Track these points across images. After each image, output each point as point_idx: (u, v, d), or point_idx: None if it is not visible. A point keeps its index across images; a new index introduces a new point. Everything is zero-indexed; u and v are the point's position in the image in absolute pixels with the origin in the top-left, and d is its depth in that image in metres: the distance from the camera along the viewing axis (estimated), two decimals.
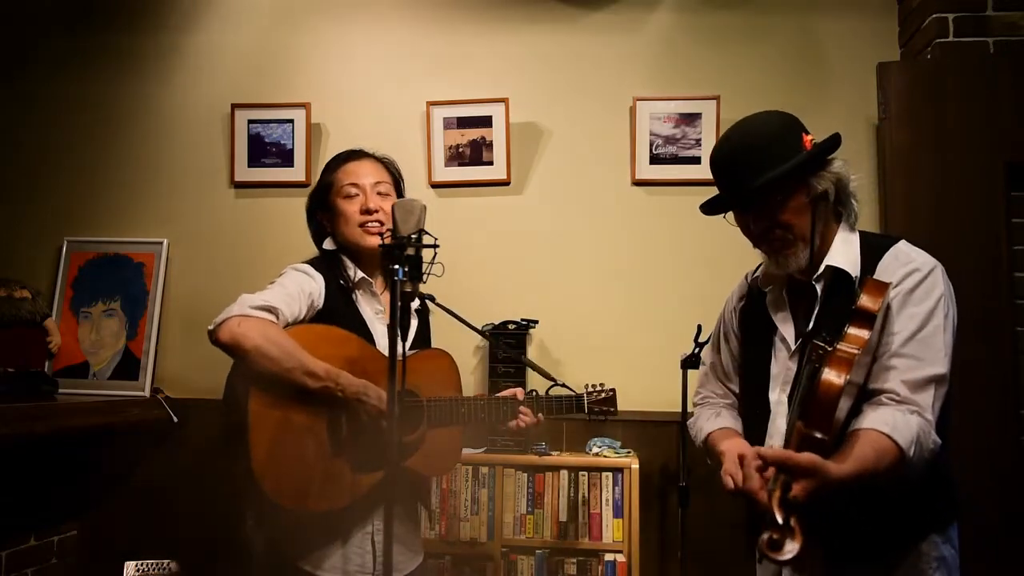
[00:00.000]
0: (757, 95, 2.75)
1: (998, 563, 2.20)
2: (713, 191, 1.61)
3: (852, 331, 1.33)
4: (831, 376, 1.26)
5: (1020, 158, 2.38)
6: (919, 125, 2.45)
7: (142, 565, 2.60)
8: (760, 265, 1.70)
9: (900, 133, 2.47)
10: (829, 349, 1.33)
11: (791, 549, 1.15)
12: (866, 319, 1.33)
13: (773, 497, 1.19)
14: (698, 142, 2.77)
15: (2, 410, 2.05)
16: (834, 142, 1.50)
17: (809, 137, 1.49)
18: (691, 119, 2.78)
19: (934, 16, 2.52)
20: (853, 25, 2.79)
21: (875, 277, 1.43)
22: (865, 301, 1.34)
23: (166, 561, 2.63)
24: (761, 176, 1.44)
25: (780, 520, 1.16)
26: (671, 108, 2.79)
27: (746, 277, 1.74)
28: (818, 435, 1.24)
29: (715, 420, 1.70)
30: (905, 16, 2.73)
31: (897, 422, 1.30)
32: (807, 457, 1.20)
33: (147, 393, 2.79)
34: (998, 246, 2.36)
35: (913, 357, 1.38)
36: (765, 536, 1.18)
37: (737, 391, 1.74)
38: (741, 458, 1.36)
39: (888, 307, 1.40)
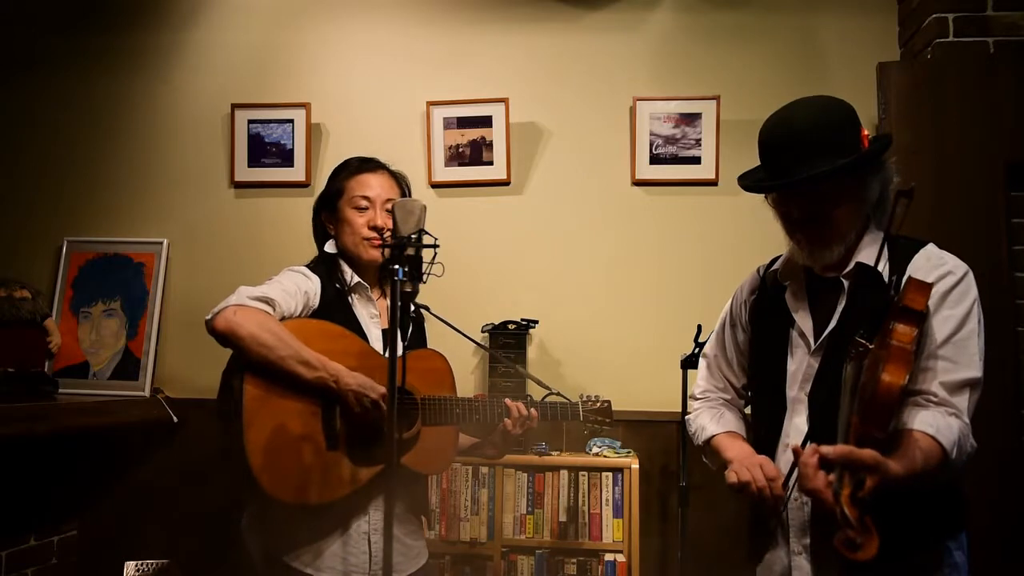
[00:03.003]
0: (757, 95, 2.75)
1: (999, 564, 2.19)
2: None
3: (901, 327, 1.29)
4: (890, 374, 1.23)
5: (1020, 158, 2.37)
6: (919, 125, 2.45)
7: (142, 565, 2.60)
8: (775, 259, 1.67)
9: (900, 133, 2.47)
10: (871, 346, 1.31)
11: (870, 550, 1.13)
12: (914, 317, 1.30)
13: (842, 495, 1.16)
14: (698, 142, 2.77)
15: (2, 410, 2.06)
16: (889, 142, 1.48)
17: (865, 133, 1.47)
18: (691, 119, 2.78)
19: (934, 16, 2.51)
20: (853, 25, 2.79)
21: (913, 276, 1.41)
22: (911, 301, 1.31)
23: (166, 561, 2.63)
24: (823, 164, 1.40)
25: (853, 519, 1.14)
26: (671, 108, 2.79)
27: (758, 271, 1.71)
28: (877, 434, 1.22)
29: (719, 422, 1.67)
30: (905, 16, 2.73)
31: (940, 424, 1.30)
32: (870, 453, 1.19)
33: (147, 393, 2.79)
34: (998, 246, 2.36)
35: (949, 360, 1.37)
36: (841, 535, 1.16)
37: (739, 384, 1.72)
38: (761, 466, 1.39)
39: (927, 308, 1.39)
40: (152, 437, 2.76)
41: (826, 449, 1.22)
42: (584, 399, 1.98)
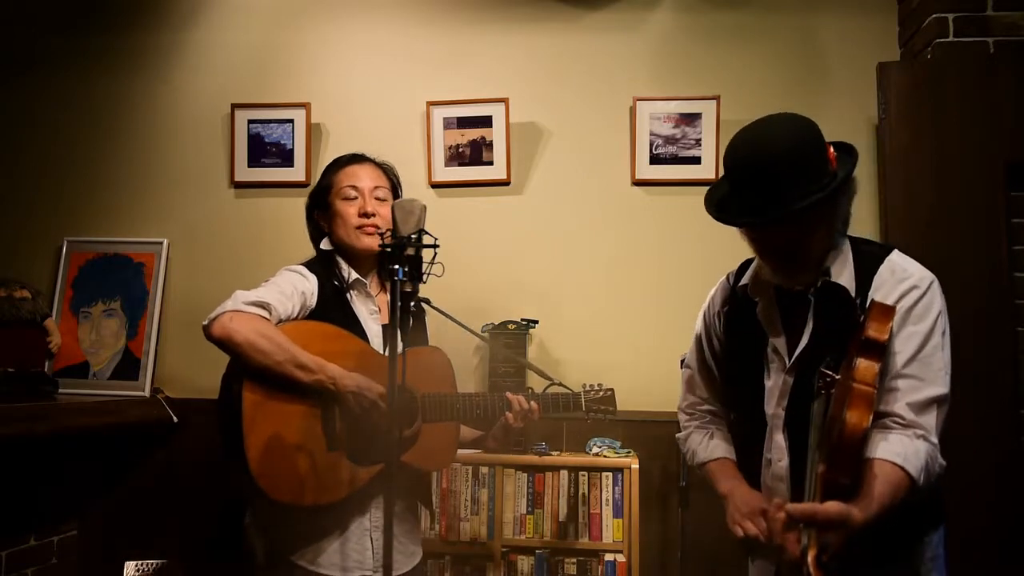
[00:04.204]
0: (757, 95, 2.75)
1: (996, 565, 2.19)
2: None
3: (863, 363, 1.28)
4: (854, 419, 1.22)
5: (1020, 158, 2.38)
6: (919, 125, 2.45)
7: (142, 565, 2.60)
8: (743, 269, 1.65)
9: (900, 133, 2.47)
10: (837, 377, 1.31)
11: None
12: (876, 350, 1.29)
13: (809, 556, 1.16)
14: (698, 142, 2.77)
15: (2, 410, 2.05)
16: (856, 155, 1.47)
17: (831, 150, 1.44)
18: (691, 119, 2.78)
19: (934, 16, 2.51)
20: (853, 25, 2.78)
21: (875, 295, 1.41)
22: (874, 331, 1.30)
23: (166, 561, 2.63)
24: (803, 195, 1.36)
25: None
26: (671, 108, 2.79)
27: (728, 278, 1.70)
28: (844, 480, 1.23)
29: (708, 445, 1.69)
30: (905, 16, 2.73)
31: (907, 451, 1.31)
32: (835, 509, 1.18)
33: (147, 393, 2.79)
34: (998, 246, 2.36)
35: (915, 378, 1.37)
36: None
37: (722, 395, 1.72)
38: (763, 512, 1.40)
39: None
40: (152, 437, 2.76)
41: (792, 509, 1.22)
42: (586, 388, 1.98)
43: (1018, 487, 2.25)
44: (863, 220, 2.65)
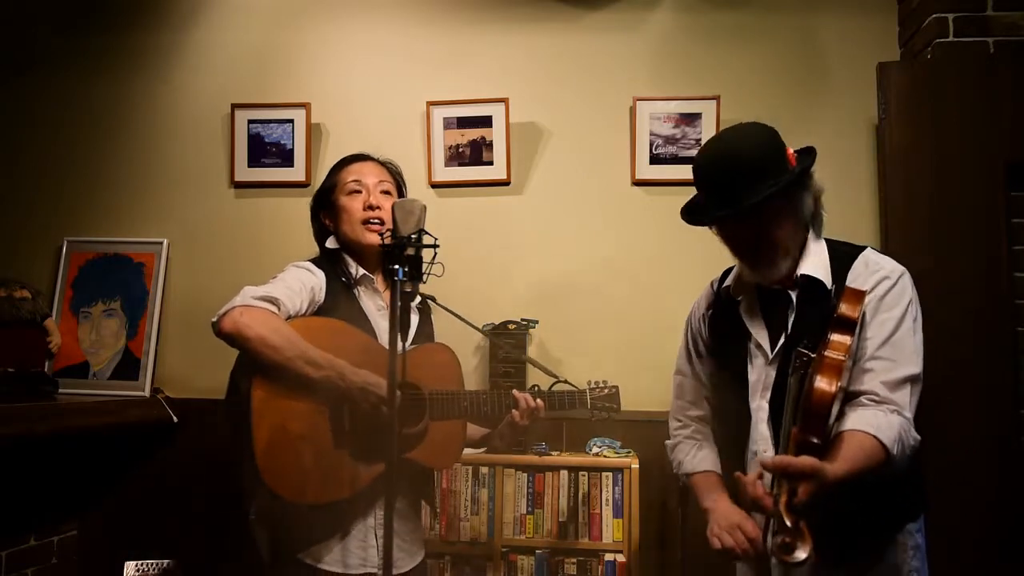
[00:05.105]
0: (757, 95, 2.75)
1: (996, 564, 2.19)
2: None
3: (836, 337, 1.38)
4: (823, 384, 1.31)
5: (1020, 158, 2.38)
6: (919, 125, 2.45)
7: (142, 565, 2.60)
8: (726, 274, 1.76)
9: (900, 133, 2.47)
10: (813, 356, 1.39)
11: (803, 552, 1.21)
12: (848, 326, 1.40)
13: (780, 502, 1.24)
14: (698, 142, 2.77)
15: (2, 410, 2.05)
16: (814, 155, 1.57)
17: (791, 151, 1.55)
18: (691, 119, 2.78)
19: (934, 16, 2.51)
20: (853, 25, 2.78)
21: (850, 285, 1.49)
22: (845, 309, 1.41)
23: (166, 561, 2.63)
24: (762, 190, 1.47)
25: (789, 523, 1.22)
26: (671, 108, 2.79)
27: (712, 285, 1.80)
28: (814, 440, 1.31)
29: (696, 457, 1.78)
30: (905, 16, 2.73)
31: (880, 423, 1.37)
32: (807, 461, 1.26)
33: (147, 393, 2.79)
34: (998, 246, 2.36)
35: (888, 359, 1.45)
36: (777, 539, 1.24)
37: (711, 398, 1.80)
38: (740, 526, 1.50)
39: (862, 313, 1.47)
40: (152, 437, 2.76)
41: (765, 460, 1.31)
42: (591, 385, 1.99)
43: (1018, 487, 2.25)
44: (863, 220, 2.66)
